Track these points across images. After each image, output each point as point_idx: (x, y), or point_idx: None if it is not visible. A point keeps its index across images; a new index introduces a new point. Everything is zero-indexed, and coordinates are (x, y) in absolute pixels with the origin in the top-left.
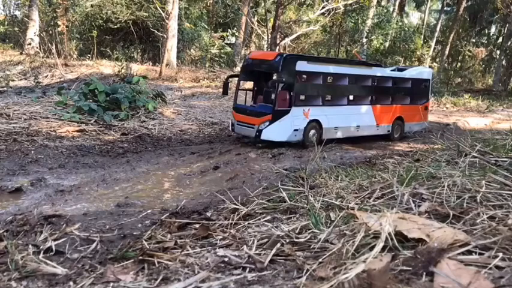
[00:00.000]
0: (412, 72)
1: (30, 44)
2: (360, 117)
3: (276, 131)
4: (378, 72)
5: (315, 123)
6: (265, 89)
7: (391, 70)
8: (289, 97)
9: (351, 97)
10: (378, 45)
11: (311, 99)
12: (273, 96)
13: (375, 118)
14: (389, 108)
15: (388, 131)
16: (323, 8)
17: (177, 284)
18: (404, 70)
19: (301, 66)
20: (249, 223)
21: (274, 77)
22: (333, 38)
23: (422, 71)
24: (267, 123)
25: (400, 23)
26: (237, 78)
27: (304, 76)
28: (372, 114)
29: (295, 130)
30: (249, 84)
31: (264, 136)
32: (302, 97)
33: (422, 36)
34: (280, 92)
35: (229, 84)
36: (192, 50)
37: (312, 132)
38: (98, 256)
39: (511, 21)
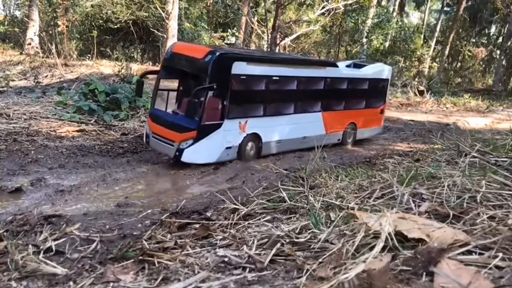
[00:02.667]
0: (370, 71)
1: (30, 44)
2: (307, 127)
3: (202, 151)
4: (331, 73)
5: (254, 137)
6: (188, 99)
7: (347, 66)
8: (222, 107)
9: (299, 104)
10: (377, 45)
11: (250, 109)
12: (199, 106)
13: (325, 126)
14: (341, 115)
15: (339, 139)
16: (323, 8)
17: (177, 284)
18: (362, 66)
19: (239, 68)
20: (249, 223)
21: (203, 81)
22: (333, 38)
23: (382, 70)
24: (190, 142)
25: (400, 23)
26: (156, 76)
27: (242, 81)
28: (321, 122)
29: (228, 148)
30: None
31: (185, 158)
32: (238, 107)
33: (422, 36)
34: (209, 101)
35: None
36: None
37: (249, 147)
38: (98, 256)
39: (511, 21)
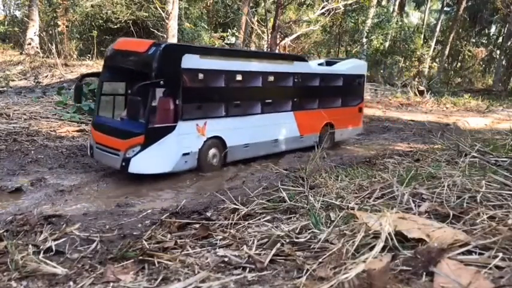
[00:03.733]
0: (344, 67)
1: (30, 44)
2: (278, 129)
3: (154, 159)
4: (300, 68)
5: (216, 142)
6: (130, 97)
7: (319, 64)
8: (174, 107)
9: (266, 103)
10: (378, 45)
11: (208, 109)
12: (144, 107)
13: (298, 128)
14: (316, 114)
15: (315, 141)
16: (323, 8)
17: (177, 284)
18: (335, 63)
19: (191, 62)
20: (249, 223)
21: (149, 78)
22: (333, 38)
23: (357, 65)
24: (138, 149)
25: (400, 23)
26: (98, 78)
27: (196, 76)
28: (294, 123)
29: (185, 154)
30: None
31: (133, 168)
32: (194, 107)
33: (422, 36)
34: (159, 101)
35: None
36: None
37: (212, 153)
38: (98, 256)
39: (511, 21)
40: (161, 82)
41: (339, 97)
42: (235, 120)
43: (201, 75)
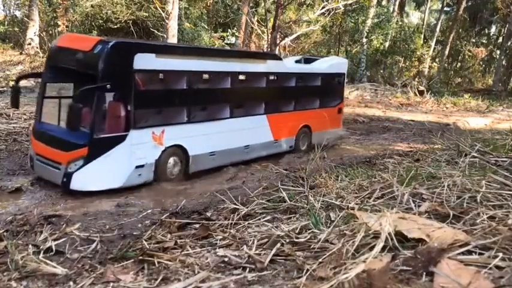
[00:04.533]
0: (322, 65)
1: (30, 44)
2: (250, 134)
3: (100, 174)
4: (275, 67)
5: (176, 151)
6: (70, 104)
7: (296, 61)
8: (125, 114)
9: (237, 106)
10: (378, 45)
11: (167, 115)
12: (88, 114)
13: (272, 132)
14: (291, 117)
15: (291, 146)
16: (323, 8)
17: (177, 284)
18: (314, 61)
19: (145, 61)
20: (249, 223)
21: (96, 81)
22: (333, 38)
23: (337, 63)
24: (81, 162)
25: (400, 23)
26: (39, 80)
27: (153, 78)
28: (267, 127)
29: (139, 167)
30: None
31: (75, 184)
32: (149, 113)
33: (422, 36)
34: (107, 107)
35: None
36: None
37: (171, 164)
38: (98, 256)
39: (511, 21)
40: (108, 86)
41: (316, 98)
42: (200, 126)
43: (157, 77)
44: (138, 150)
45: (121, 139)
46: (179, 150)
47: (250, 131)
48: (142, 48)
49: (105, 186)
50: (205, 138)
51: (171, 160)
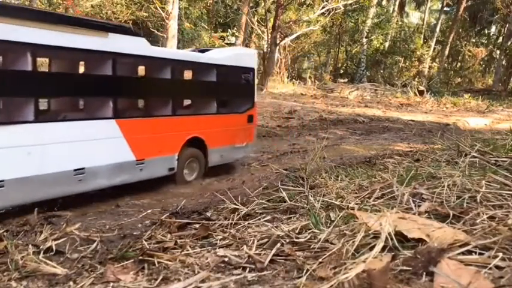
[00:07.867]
0: (218, 55)
1: None
2: (86, 149)
3: None
4: (126, 46)
5: None
6: None
7: (191, 51)
8: None
9: (54, 103)
10: (377, 45)
11: None
12: None
13: (131, 147)
14: (168, 124)
15: (171, 168)
16: (323, 8)
17: (177, 284)
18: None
19: None
20: (249, 223)
21: None
22: (333, 38)
23: (239, 54)
24: None
25: (400, 23)
26: None
27: None
28: (120, 138)
29: None
30: None
31: None
32: None
33: (422, 36)
34: None
35: None
36: None
37: None
38: (98, 256)
39: (511, 21)
40: None
41: (212, 99)
42: None
43: None
44: None
45: None
46: None
47: (87, 144)
48: None
49: None
50: None
51: None
